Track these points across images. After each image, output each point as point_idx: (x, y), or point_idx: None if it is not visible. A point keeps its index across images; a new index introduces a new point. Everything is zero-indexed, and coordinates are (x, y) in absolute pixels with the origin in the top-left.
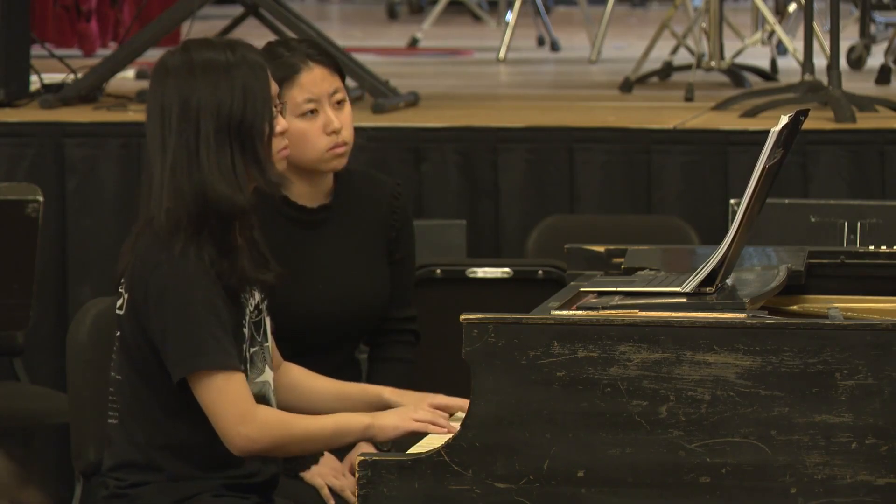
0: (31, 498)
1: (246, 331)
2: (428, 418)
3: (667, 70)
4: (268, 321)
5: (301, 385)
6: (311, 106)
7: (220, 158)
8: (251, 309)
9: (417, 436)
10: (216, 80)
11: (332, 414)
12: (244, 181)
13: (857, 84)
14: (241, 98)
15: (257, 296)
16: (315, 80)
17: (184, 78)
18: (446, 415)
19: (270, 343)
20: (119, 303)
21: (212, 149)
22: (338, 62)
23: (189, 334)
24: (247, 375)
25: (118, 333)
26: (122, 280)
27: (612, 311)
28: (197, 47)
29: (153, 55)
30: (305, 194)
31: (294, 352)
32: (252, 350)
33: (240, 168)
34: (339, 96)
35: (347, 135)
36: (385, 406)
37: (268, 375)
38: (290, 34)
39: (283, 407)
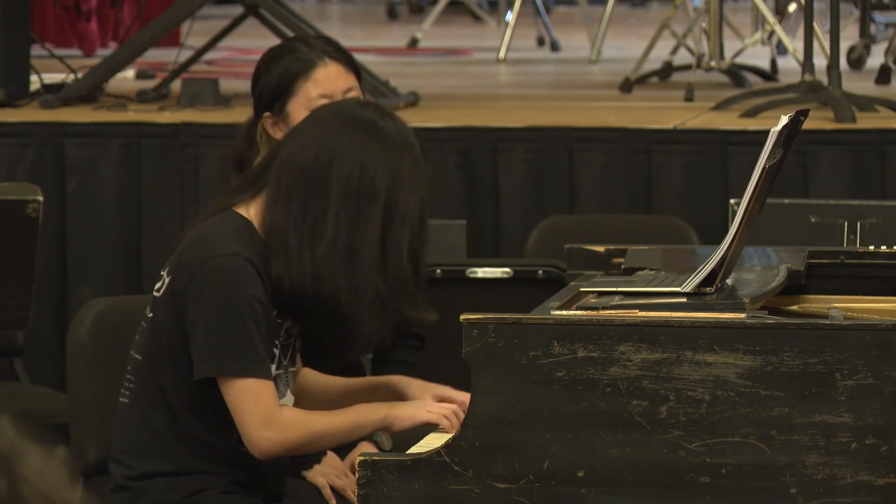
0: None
1: (277, 350)
2: (444, 412)
3: (667, 70)
4: (297, 345)
5: (312, 385)
6: (324, 101)
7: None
8: (283, 331)
9: (422, 434)
10: (414, 178)
11: (350, 407)
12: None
13: (857, 84)
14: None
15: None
16: (330, 76)
17: (387, 153)
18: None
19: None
20: (158, 285)
21: (372, 240)
22: (354, 61)
23: (225, 334)
24: None
25: (150, 315)
26: (167, 264)
27: (612, 311)
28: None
29: (153, 55)
30: None
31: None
32: (277, 372)
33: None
34: (353, 94)
35: None
36: (394, 394)
37: (288, 400)
38: (290, 34)
39: (297, 406)
